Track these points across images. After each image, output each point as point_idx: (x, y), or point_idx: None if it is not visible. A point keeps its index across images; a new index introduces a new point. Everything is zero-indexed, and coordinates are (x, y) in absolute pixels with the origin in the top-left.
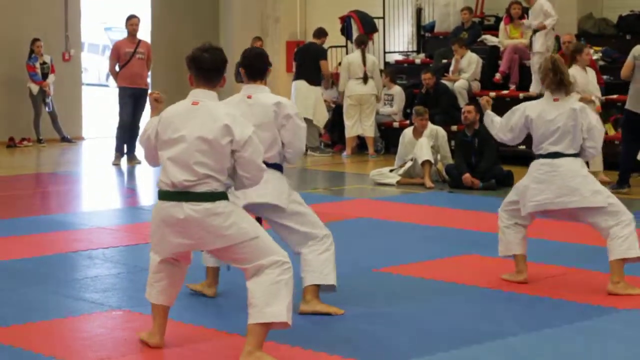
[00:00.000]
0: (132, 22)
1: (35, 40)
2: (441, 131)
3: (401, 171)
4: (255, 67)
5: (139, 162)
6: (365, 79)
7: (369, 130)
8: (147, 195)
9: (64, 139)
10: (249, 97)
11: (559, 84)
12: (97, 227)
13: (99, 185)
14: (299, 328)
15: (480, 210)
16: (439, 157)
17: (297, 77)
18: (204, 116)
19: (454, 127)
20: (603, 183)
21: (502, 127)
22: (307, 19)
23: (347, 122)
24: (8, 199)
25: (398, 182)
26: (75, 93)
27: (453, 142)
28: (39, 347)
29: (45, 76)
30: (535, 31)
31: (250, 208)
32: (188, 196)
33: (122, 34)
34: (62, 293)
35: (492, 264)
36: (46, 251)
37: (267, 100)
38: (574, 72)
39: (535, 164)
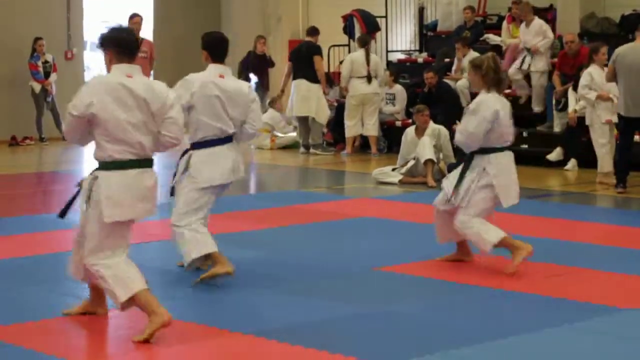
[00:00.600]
0: (134, 21)
1: (37, 39)
2: (443, 130)
3: (403, 170)
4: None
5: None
6: (369, 78)
7: (372, 129)
8: None
9: None
10: (221, 76)
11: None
12: None
13: None
14: (299, 327)
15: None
16: (441, 156)
17: (296, 76)
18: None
19: (457, 126)
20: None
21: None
22: (309, 18)
23: (348, 122)
24: (10, 198)
25: (400, 181)
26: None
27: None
28: (40, 345)
29: (47, 75)
30: (527, 50)
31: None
32: (150, 162)
33: None
34: (63, 291)
35: (493, 263)
36: (48, 250)
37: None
38: (592, 70)
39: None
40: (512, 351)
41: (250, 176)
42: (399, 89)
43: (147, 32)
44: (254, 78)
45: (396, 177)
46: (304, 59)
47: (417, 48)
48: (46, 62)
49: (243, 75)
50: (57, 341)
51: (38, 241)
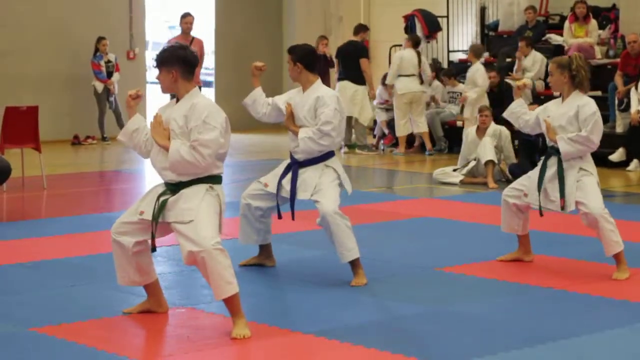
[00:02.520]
0: (186, 21)
1: (100, 38)
2: (505, 131)
3: (464, 171)
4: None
5: None
6: (419, 77)
7: (422, 126)
8: None
9: None
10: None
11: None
12: None
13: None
14: (360, 327)
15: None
16: (502, 156)
17: (341, 77)
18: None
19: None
20: None
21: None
22: (370, 18)
23: (399, 121)
24: (72, 197)
25: (461, 182)
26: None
27: (517, 142)
28: (102, 344)
29: (110, 74)
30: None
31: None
32: None
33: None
34: (124, 290)
35: (556, 264)
36: (109, 249)
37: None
38: None
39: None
40: (574, 352)
41: None
42: (462, 88)
43: (208, 30)
44: None
45: (457, 178)
46: (350, 60)
47: None
48: (109, 61)
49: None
50: (118, 339)
51: (101, 240)
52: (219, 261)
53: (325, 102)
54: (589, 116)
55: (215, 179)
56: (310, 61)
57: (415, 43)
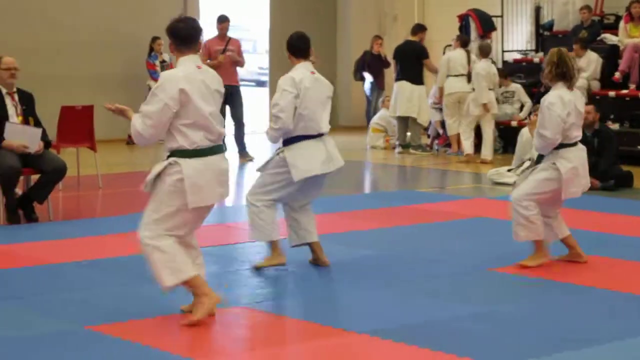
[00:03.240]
0: (222, 27)
1: (155, 38)
2: None
3: (519, 171)
4: (305, 48)
5: (251, 159)
6: (468, 77)
7: (454, 128)
8: None
9: None
10: (312, 72)
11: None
12: (216, 224)
13: None
14: (414, 327)
15: (599, 211)
16: None
17: (399, 77)
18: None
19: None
20: None
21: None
22: (425, 17)
23: (449, 120)
24: (128, 195)
25: (515, 182)
26: None
27: None
28: (156, 342)
29: None
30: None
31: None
32: (222, 147)
33: (237, 33)
34: (180, 289)
35: (610, 265)
36: None
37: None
38: None
39: (573, 151)
40: (630, 353)
41: (364, 176)
42: (517, 87)
43: (263, 30)
44: (369, 78)
45: (512, 178)
46: (408, 60)
47: (533, 48)
48: (163, 61)
49: (358, 74)
50: (171, 338)
51: None
52: (151, 260)
53: (279, 85)
54: (542, 109)
55: (185, 153)
56: (293, 48)
57: (463, 43)
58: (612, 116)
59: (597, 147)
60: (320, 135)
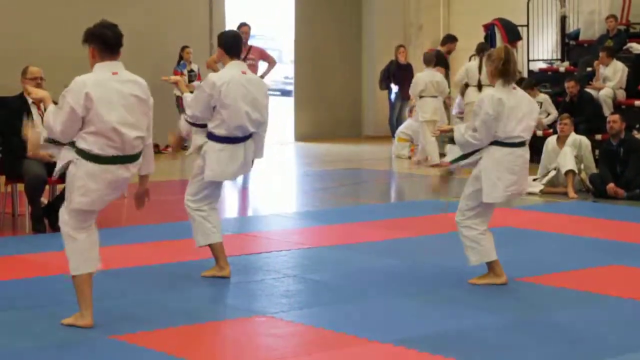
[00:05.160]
0: (242, 31)
1: (184, 47)
2: (585, 140)
3: (544, 180)
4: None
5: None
6: (479, 86)
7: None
8: (288, 203)
9: None
10: (244, 72)
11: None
12: (241, 234)
13: (239, 192)
14: (439, 336)
15: (625, 221)
16: (582, 166)
17: None
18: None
19: (599, 136)
20: None
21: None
22: (450, 27)
23: None
24: (155, 205)
25: (541, 191)
26: None
27: (597, 151)
28: (181, 351)
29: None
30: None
31: None
32: (132, 157)
33: (264, 42)
34: (205, 298)
35: (637, 275)
36: (191, 257)
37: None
38: None
39: (505, 153)
40: None
41: (390, 185)
42: (544, 97)
43: (288, 40)
44: (394, 88)
45: (537, 187)
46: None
47: (559, 57)
48: (192, 70)
49: (383, 84)
50: (196, 347)
51: (181, 248)
52: (67, 246)
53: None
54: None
55: (84, 154)
56: (227, 45)
57: (479, 50)
58: (637, 125)
59: (622, 156)
60: (246, 137)
